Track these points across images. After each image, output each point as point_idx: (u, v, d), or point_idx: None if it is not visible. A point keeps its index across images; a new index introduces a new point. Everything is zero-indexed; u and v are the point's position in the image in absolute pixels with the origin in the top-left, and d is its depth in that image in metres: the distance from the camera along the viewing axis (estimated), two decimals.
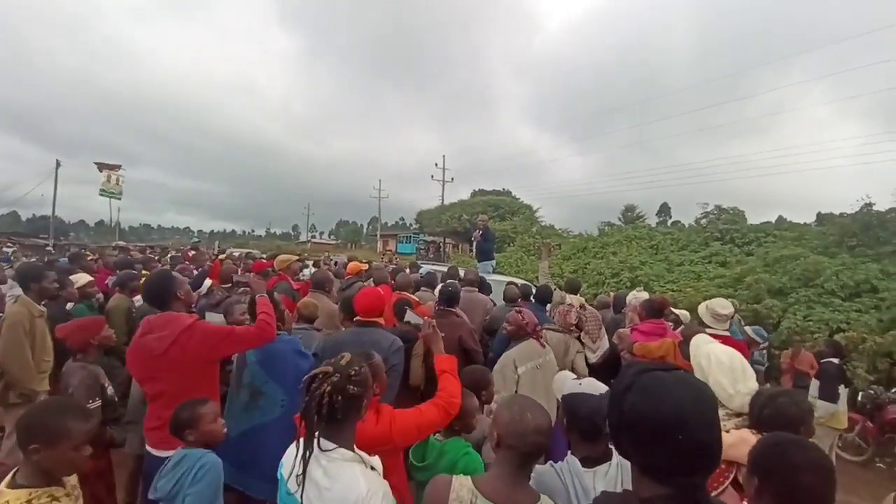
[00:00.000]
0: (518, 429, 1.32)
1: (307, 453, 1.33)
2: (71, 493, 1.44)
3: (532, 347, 3.07)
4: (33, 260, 9.28)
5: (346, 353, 1.48)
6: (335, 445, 1.35)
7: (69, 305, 3.92)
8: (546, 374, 2.97)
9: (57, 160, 27.58)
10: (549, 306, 4.44)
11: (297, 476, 1.33)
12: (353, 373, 1.39)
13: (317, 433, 1.32)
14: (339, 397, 1.34)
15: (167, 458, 2.00)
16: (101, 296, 4.69)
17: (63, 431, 1.35)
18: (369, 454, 1.69)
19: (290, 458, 1.39)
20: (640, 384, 0.84)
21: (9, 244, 21.72)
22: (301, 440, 1.34)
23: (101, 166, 13.02)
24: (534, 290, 4.97)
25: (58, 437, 1.34)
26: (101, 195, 13.50)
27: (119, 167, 13.53)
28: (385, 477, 1.74)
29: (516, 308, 3.23)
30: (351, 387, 1.37)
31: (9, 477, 1.35)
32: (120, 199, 13.81)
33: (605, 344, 3.78)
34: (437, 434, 2.06)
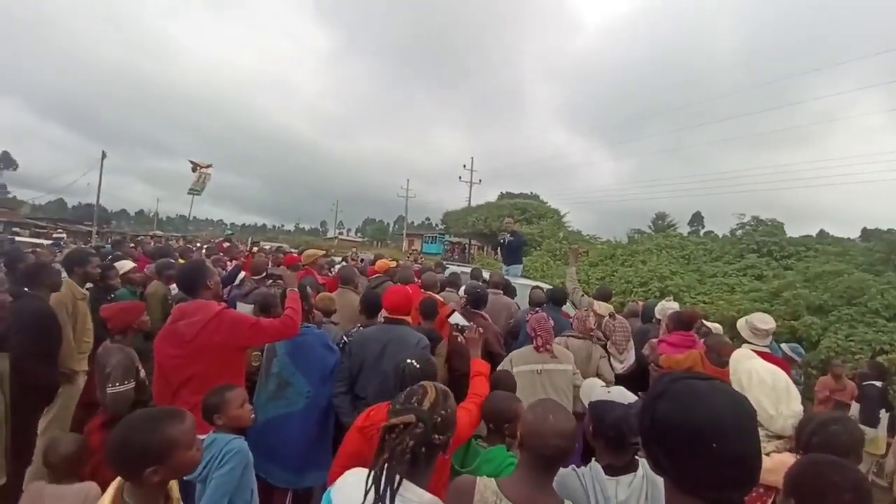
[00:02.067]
0: (540, 430, 1.32)
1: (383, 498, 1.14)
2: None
3: (533, 352, 3.05)
4: (82, 246, 9.75)
5: (428, 388, 1.29)
6: (413, 485, 1.19)
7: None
8: (554, 382, 2.95)
9: (103, 151, 29.03)
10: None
11: None
12: (438, 420, 1.22)
13: (398, 484, 1.14)
14: (424, 449, 1.19)
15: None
16: None
17: (170, 441, 1.26)
18: None
19: (352, 491, 1.22)
20: (673, 391, 0.81)
21: (59, 231, 22.97)
22: (371, 474, 1.17)
23: (196, 166, 13.01)
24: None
25: (169, 449, 1.26)
26: (188, 193, 13.62)
27: (210, 165, 13.59)
28: (436, 477, 1.80)
29: (529, 321, 3.20)
30: (437, 437, 1.21)
31: (111, 496, 1.24)
32: (200, 195, 13.96)
33: (631, 356, 3.69)
34: (481, 440, 2.07)
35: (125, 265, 4.33)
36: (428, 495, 1.21)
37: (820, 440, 1.68)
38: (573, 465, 1.57)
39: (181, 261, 5.28)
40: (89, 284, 3.75)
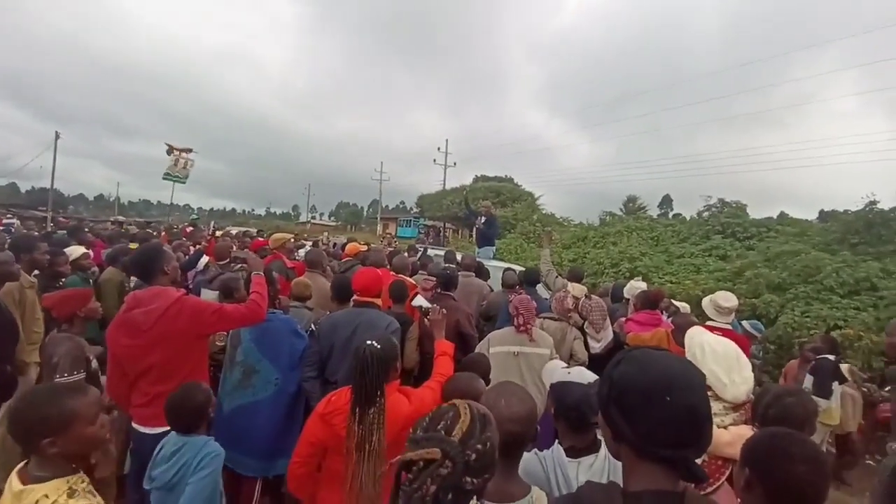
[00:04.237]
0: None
1: None
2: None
3: (512, 333, 3.03)
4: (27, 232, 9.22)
5: (461, 410, 0.99)
6: None
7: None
8: (530, 364, 2.93)
9: (56, 132, 27.34)
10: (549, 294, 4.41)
11: None
12: (473, 457, 0.92)
13: None
14: (451, 496, 0.89)
15: (154, 435, 1.98)
16: (96, 269, 4.65)
17: (70, 413, 1.24)
18: (403, 434, 1.67)
19: None
20: (630, 357, 0.86)
21: (8, 216, 21.66)
22: None
23: (172, 148, 11.60)
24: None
25: (68, 421, 1.23)
26: (164, 179, 12.27)
27: (190, 150, 12.14)
28: None
29: (511, 299, 3.19)
30: (470, 479, 0.91)
31: (17, 475, 1.23)
32: (185, 183, 12.55)
33: (609, 335, 3.75)
34: None
35: (76, 251, 4.11)
36: None
37: (775, 412, 1.73)
38: (535, 450, 1.56)
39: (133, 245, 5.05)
40: (37, 272, 3.55)
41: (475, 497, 0.96)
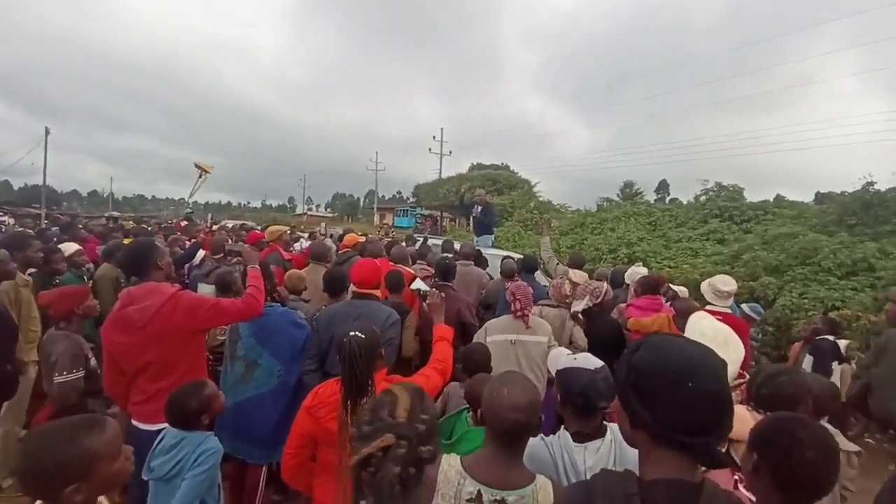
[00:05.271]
0: (495, 406, 1.26)
1: None
2: None
3: (510, 321, 3.02)
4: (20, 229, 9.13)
5: (397, 393, 1.09)
6: None
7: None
8: (528, 353, 2.92)
9: (46, 127, 27.05)
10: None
11: None
12: (422, 428, 1.02)
13: None
14: (413, 469, 0.98)
15: (154, 431, 1.97)
16: (91, 265, 4.62)
17: (90, 454, 1.10)
18: None
19: None
20: (649, 343, 0.86)
21: (2, 214, 21.47)
22: None
23: (203, 170, 10.95)
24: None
25: (90, 464, 1.10)
26: (189, 200, 12.03)
27: (212, 167, 11.50)
28: None
29: (509, 287, 3.16)
30: (425, 448, 1.02)
31: None
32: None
33: (586, 300, 3.63)
34: (472, 414, 2.03)
35: (70, 247, 4.07)
36: None
37: (768, 391, 1.74)
38: (541, 435, 1.55)
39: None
40: (32, 269, 3.51)
41: (430, 463, 1.05)
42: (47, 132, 26.89)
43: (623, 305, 3.93)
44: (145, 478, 1.81)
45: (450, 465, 1.29)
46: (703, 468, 0.83)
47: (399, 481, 0.93)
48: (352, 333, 1.68)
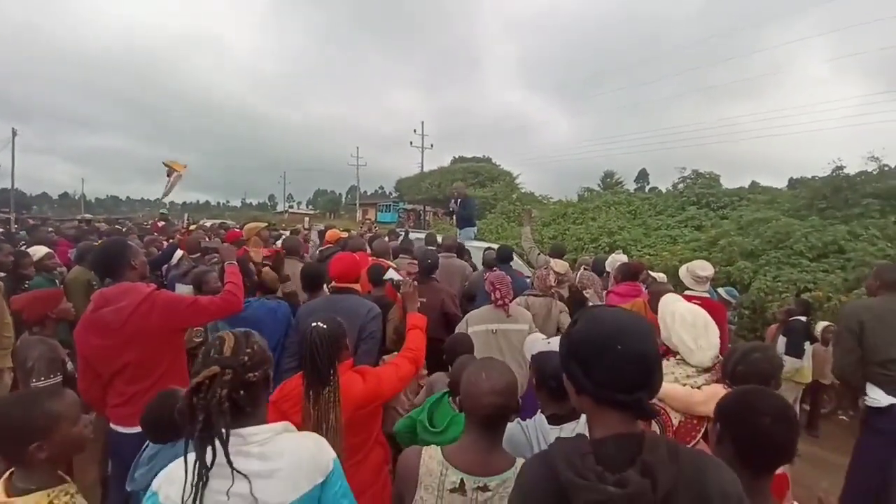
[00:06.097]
0: (472, 391, 1.28)
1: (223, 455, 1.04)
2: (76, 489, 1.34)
3: (490, 311, 3.04)
4: None
5: (224, 336, 1.18)
6: (257, 429, 1.13)
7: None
8: (510, 341, 2.95)
9: (13, 129, 26.05)
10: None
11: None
12: (246, 359, 1.13)
13: (226, 436, 1.05)
14: (243, 392, 1.10)
15: (135, 434, 1.93)
16: (63, 269, 4.49)
17: (54, 414, 1.24)
18: (359, 413, 1.70)
19: (177, 472, 1.08)
20: (585, 315, 0.94)
21: None
22: (191, 444, 1.05)
23: (171, 169, 10.23)
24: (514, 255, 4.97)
25: (52, 423, 1.23)
26: (162, 200, 11.46)
27: (185, 167, 10.79)
28: (365, 435, 1.78)
29: (487, 277, 3.18)
30: (251, 374, 1.13)
31: (2, 487, 1.19)
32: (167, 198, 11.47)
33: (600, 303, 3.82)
34: (454, 399, 2.04)
35: (39, 251, 3.94)
36: (275, 425, 1.16)
37: (743, 368, 1.81)
38: (518, 419, 1.58)
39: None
40: (2, 274, 3.40)
41: (265, 387, 1.19)
42: (14, 133, 25.92)
43: (604, 292, 4.00)
44: (129, 489, 1.76)
45: (430, 456, 1.31)
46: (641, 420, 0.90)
47: (227, 399, 1.06)
48: (314, 324, 1.68)
